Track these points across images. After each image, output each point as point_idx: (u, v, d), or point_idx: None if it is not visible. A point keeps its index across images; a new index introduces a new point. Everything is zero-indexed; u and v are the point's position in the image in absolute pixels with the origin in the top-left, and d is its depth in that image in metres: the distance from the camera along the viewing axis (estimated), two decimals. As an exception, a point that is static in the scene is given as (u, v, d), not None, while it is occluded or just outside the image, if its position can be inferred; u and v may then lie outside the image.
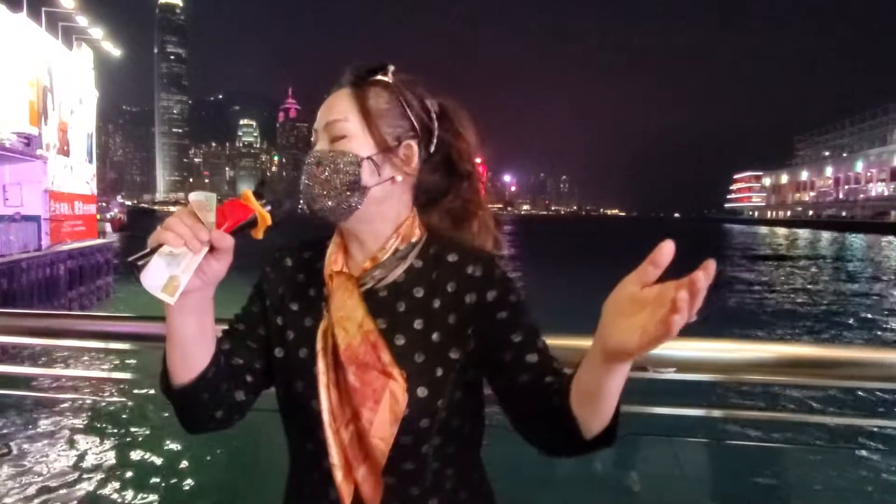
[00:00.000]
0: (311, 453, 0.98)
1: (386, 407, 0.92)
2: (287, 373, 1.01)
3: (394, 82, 1.03)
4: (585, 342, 1.48)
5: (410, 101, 1.03)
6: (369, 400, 0.92)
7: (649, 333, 0.66)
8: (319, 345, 0.97)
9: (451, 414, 0.97)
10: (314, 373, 0.96)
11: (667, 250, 0.66)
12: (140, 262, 0.81)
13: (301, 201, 0.99)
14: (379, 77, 1.02)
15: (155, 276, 0.81)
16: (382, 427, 0.92)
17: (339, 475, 0.92)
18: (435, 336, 0.97)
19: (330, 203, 0.98)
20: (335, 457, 0.92)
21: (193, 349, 0.93)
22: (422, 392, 0.94)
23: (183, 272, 0.82)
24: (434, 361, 0.96)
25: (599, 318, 0.73)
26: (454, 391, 0.97)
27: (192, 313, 0.90)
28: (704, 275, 0.62)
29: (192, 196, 0.86)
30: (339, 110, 1.00)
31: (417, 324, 0.98)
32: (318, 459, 0.95)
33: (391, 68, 1.03)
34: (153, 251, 0.82)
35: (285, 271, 1.07)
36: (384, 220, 1.02)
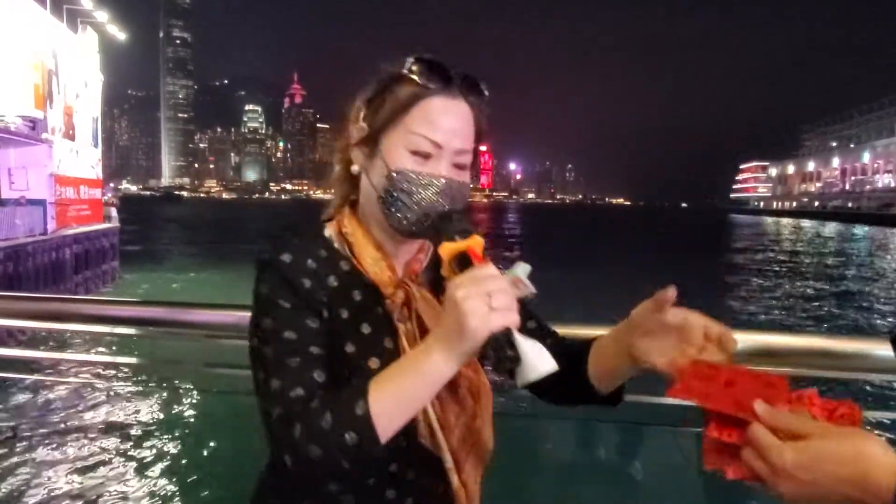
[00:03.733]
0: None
1: (486, 403, 0.96)
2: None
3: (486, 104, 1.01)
4: (591, 331, 1.48)
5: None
6: (469, 399, 0.95)
7: (677, 365, 0.84)
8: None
9: None
10: None
11: (671, 294, 0.83)
12: (511, 354, 0.76)
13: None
14: (485, 106, 1.00)
15: (541, 356, 0.78)
16: (487, 425, 0.96)
17: (455, 479, 0.94)
18: None
19: None
20: (450, 461, 0.94)
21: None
22: (487, 381, 0.99)
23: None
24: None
25: (625, 326, 0.90)
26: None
27: None
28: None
29: (521, 269, 0.89)
30: (467, 139, 0.97)
31: None
32: (383, 465, 0.94)
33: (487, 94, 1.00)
34: (509, 339, 0.76)
35: (317, 276, 0.94)
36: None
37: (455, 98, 0.95)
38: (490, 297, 0.76)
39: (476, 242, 0.84)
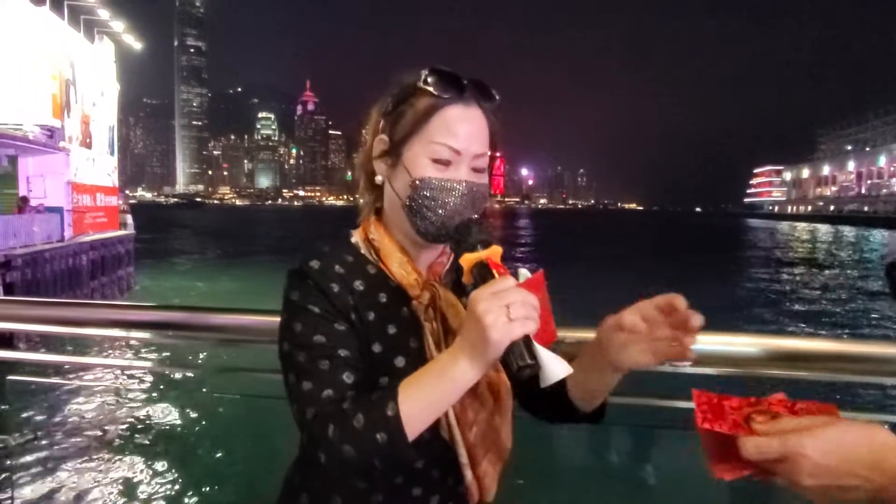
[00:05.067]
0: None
1: (506, 402, 0.99)
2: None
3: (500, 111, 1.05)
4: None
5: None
6: (489, 397, 0.98)
7: (663, 353, 0.91)
8: (436, 353, 0.97)
9: None
10: None
11: (627, 320, 0.91)
12: (531, 362, 0.79)
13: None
14: (495, 105, 1.03)
15: (556, 362, 0.82)
16: (506, 423, 0.99)
17: (468, 474, 0.97)
18: None
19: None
20: (464, 456, 0.96)
21: None
22: (507, 380, 1.01)
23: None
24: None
25: (597, 348, 0.95)
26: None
27: None
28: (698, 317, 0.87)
29: (523, 272, 0.90)
30: (483, 143, 1.00)
31: None
32: (407, 466, 0.96)
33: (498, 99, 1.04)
34: (529, 346, 0.80)
35: (345, 281, 0.98)
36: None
37: (469, 105, 0.99)
38: (509, 308, 0.79)
39: (494, 252, 0.88)
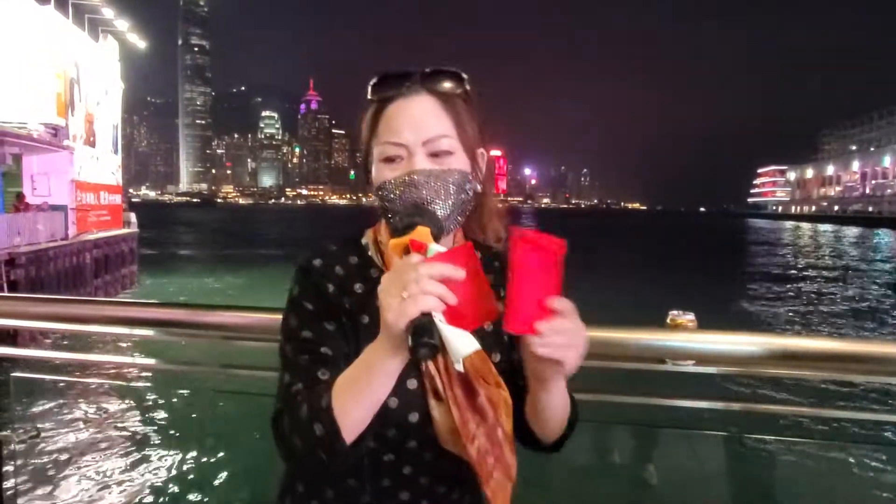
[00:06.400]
0: (386, 462, 0.97)
1: (506, 417, 0.95)
2: None
3: (472, 94, 1.01)
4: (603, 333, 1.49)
5: (480, 112, 1.03)
6: (489, 410, 0.94)
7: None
8: (430, 366, 0.95)
9: None
10: (407, 388, 0.94)
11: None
12: (429, 340, 0.74)
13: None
14: (461, 91, 1.00)
15: (462, 339, 0.76)
16: (510, 443, 0.95)
17: (487, 490, 0.94)
18: (505, 337, 1.02)
19: (444, 222, 0.94)
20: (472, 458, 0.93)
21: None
22: (508, 396, 0.96)
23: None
24: (507, 360, 1.03)
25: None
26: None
27: None
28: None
29: (433, 247, 0.82)
30: (434, 126, 0.96)
31: (487, 326, 1.00)
32: (397, 468, 0.97)
33: (466, 77, 1.00)
34: (429, 324, 0.74)
35: (343, 282, 0.99)
36: (454, 230, 1.01)
37: (414, 96, 0.97)
38: (405, 286, 0.76)
39: (419, 233, 0.85)
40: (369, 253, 1.03)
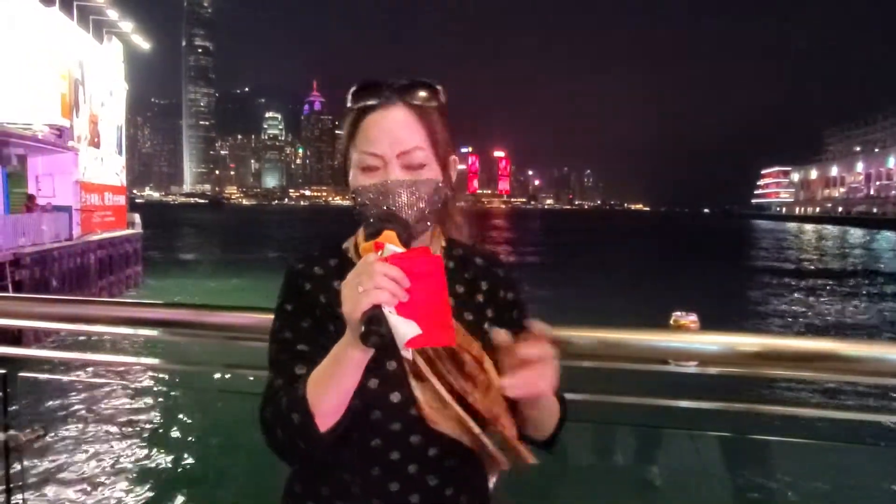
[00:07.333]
0: (374, 448, 0.99)
1: (494, 377, 0.98)
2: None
3: (444, 104, 1.06)
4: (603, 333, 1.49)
5: (448, 121, 1.07)
6: (480, 374, 0.98)
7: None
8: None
9: None
10: (387, 369, 0.98)
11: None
12: (374, 328, 0.81)
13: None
14: (435, 103, 1.04)
15: (409, 329, 0.84)
16: (502, 401, 0.97)
17: (506, 433, 0.99)
18: (486, 325, 1.05)
19: (415, 227, 1.00)
20: (475, 425, 0.97)
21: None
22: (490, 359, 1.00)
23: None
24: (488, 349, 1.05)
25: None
26: None
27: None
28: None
29: (389, 247, 0.89)
30: (408, 139, 1.01)
31: (468, 316, 1.06)
32: (384, 453, 0.98)
33: (440, 89, 1.05)
34: (380, 315, 0.82)
35: (321, 281, 1.05)
36: (430, 231, 1.08)
37: (390, 107, 1.02)
38: (361, 282, 0.83)
39: (386, 236, 0.90)
40: (349, 255, 1.08)
